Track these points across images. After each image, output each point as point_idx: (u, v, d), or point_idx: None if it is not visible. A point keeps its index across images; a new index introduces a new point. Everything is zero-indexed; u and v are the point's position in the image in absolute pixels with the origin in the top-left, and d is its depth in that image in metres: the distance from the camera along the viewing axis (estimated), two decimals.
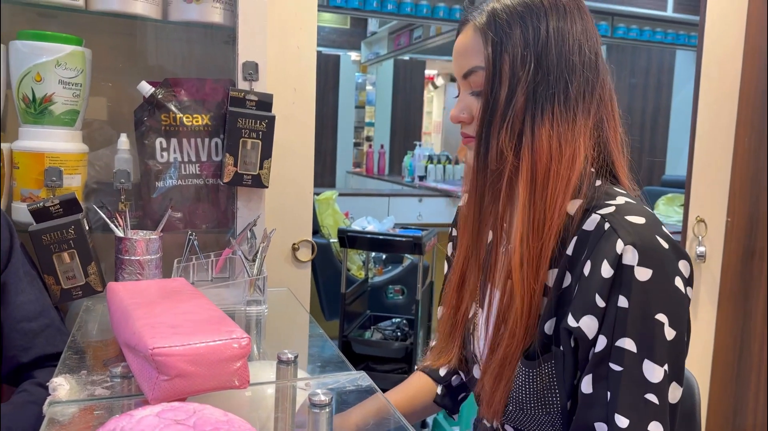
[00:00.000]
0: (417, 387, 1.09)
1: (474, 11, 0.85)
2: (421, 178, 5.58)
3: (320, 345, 1.05)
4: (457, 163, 5.78)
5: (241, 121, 1.23)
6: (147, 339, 0.71)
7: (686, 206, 2.01)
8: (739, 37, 1.96)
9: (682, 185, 2.18)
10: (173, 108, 1.24)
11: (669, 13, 4.72)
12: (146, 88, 1.23)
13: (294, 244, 1.61)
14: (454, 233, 1.08)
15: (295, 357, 0.82)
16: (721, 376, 2.07)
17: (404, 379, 1.11)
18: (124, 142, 1.26)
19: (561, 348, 0.79)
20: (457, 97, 0.89)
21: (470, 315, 0.97)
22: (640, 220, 0.77)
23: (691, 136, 1.98)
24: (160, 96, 1.23)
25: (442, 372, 1.08)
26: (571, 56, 0.80)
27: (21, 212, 1.17)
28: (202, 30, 1.39)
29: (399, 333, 2.86)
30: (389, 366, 2.63)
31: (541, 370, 0.81)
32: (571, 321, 0.76)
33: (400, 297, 3.36)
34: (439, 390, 1.08)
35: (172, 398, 0.68)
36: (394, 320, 2.97)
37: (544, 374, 0.81)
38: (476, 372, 0.97)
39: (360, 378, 0.82)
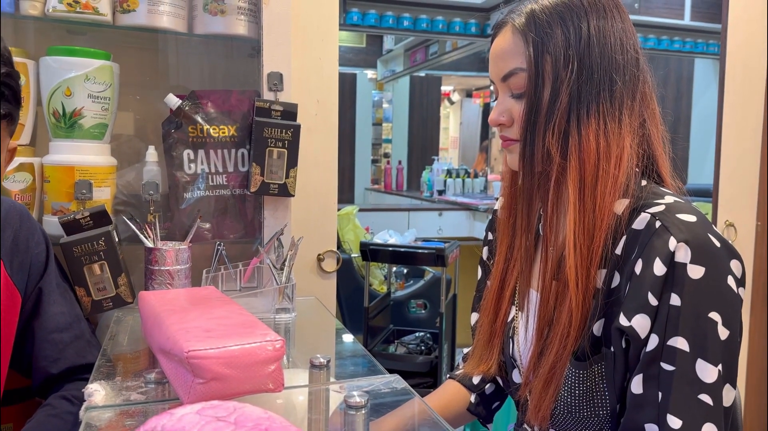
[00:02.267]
0: (450, 395, 1.07)
1: (511, 13, 0.84)
2: (440, 193, 5.56)
3: (351, 350, 1.04)
4: (476, 176, 5.77)
5: (267, 130, 1.24)
6: (182, 342, 0.71)
7: (714, 210, 1.98)
8: (762, 37, 1.94)
9: (705, 194, 2.14)
10: (200, 120, 1.26)
11: (686, 21, 4.69)
12: (173, 101, 1.24)
13: (319, 255, 1.61)
14: (490, 237, 1.06)
15: (328, 361, 0.81)
16: (756, 382, 2.02)
17: (430, 393, 1.09)
18: (152, 154, 1.28)
19: (612, 349, 0.78)
20: (495, 100, 0.88)
21: (509, 319, 0.96)
22: (691, 218, 0.75)
23: (717, 139, 1.96)
24: (186, 108, 1.25)
25: (476, 380, 1.06)
26: (614, 54, 0.80)
27: (52, 225, 1.19)
28: (226, 43, 1.40)
29: (423, 347, 2.84)
30: (414, 380, 2.61)
31: (591, 371, 0.80)
32: (623, 321, 0.75)
33: (423, 311, 3.34)
34: (472, 398, 1.06)
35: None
36: (417, 334, 2.96)
37: (594, 375, 0.80)
38: (516, 376, 0.95)
39: (394, 381, 0.81)
